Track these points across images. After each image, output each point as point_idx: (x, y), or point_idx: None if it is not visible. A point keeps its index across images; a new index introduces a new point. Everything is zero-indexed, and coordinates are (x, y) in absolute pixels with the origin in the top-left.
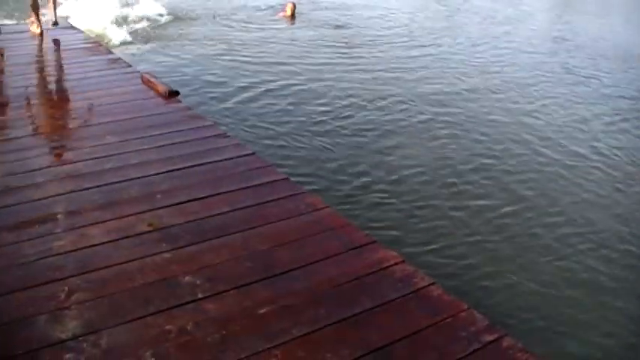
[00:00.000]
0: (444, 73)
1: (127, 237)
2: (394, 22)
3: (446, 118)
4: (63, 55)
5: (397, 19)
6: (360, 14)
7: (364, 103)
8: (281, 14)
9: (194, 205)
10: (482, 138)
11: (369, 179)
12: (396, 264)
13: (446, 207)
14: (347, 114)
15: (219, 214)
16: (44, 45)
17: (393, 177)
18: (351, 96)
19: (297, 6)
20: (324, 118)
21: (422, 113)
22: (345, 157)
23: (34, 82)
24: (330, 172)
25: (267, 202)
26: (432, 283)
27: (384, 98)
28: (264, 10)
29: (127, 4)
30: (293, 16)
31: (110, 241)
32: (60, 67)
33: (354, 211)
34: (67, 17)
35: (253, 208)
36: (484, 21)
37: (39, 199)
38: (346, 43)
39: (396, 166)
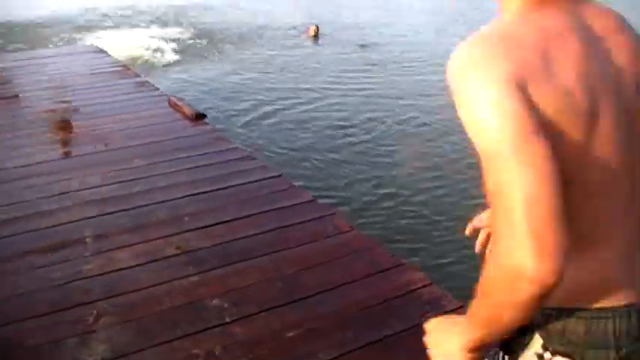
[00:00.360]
0: None
1: (154, 260)
2: (419, 42)
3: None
4: (92, 78)
5: (422, 39)
6: (384, 33)
7: (389, 125)
8: (304, 35)
9: (221, 228)
10: None
11: (397, 201)
12: (424, 286)
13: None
14: (372, 136)
15: (245, 237)
16: (73, 68)
17: (421, 198)
18: (375, 119)
19: (320, 26)
20: (349, 139)
21: (449, 136)
22: (371, 179)
23: (63, 105)
24: (356, 193)
25: (293, 224)
26: (460, 307)
27: (408, 122)
28: (288, 30)
29: (155, 28)
30: (317, 36)
31: (138, 265)
32: (89, 90)
33: (380, 232)
34: (96, 41)
35: (279, 230)
36: None
37: (68, 223)
38: (370, 64)
39: (425, 189)
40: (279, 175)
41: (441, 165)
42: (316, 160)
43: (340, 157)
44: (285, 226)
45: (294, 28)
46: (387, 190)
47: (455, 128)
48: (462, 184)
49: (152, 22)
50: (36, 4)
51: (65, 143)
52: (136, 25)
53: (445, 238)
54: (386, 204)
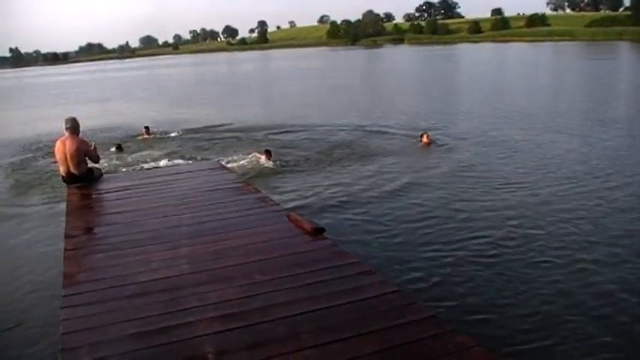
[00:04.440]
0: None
1: None
2: (537, 163)
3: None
4: (215, 194)
5: (544, 162)
6: (498, 150)
7: (499, 243)
8: (418, 143)
9: (340, 345)
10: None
11: (523, 320)
12: None
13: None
14: (490, 253)
15: (366, 355)
16: (197, 184)
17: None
18: (488, 237)
19: (432, 134)
20: (465, 254)
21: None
22: (491, 292)
23: (187, 221)
24: (476, 308)
25: (414, 341)
26: None
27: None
28: (403, 139)
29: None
30: (430, 143)
31: None
32: (211, 206)
33: (504, 349)
34: (219, 159)
35: (401, 348)
36: None
37: (190, 339)
38: (481, 180)
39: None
40: (398, 290)
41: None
42: (435, 274)
43: (457, 270)
44: (406, 343)
45: (409, 136)
46: (511, 307)
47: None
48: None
49: (270, 138)
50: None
51: (187, 258)
52: (256, 144)
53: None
54: (513, 323)
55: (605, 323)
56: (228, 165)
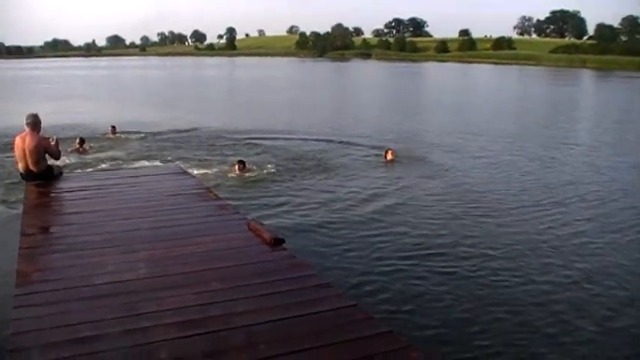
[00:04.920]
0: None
1: None
2: (502, 173)
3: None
4: (175, 199)
5: (508, 171)
6: (462, 157)
7: (457, 259)
8: (383, 160)
9: (297, 357)
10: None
11: (477, 336)
12: None
13: None
14: (447, 270)
15: None
16: (158, 188)
17: (500, 329)
18: (446, 253)
19: (395, 150)
20: (422, 269)
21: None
22: (447, 308)
23: (146, 225)
24: (432, 323)
25: (371, 355)
26: None
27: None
28: (367, 156)
29: (236, 154)
30: (393, 160)
31: None
32: (171, 211)
33: None
34: (179, 163)
35: None
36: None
37: (146, 344)
38: (446, 190)
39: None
40: (355, 305)
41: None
42: (394, 290)
43: (419, 288)
44: (361, 357)
45: (374, 150)
46: (475, 325)
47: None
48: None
49: (235, 146)
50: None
51: (143, 263)
52: (220, 150)
53: None
54: (474, 342)
55: (554, 343)
56: (195, 171)
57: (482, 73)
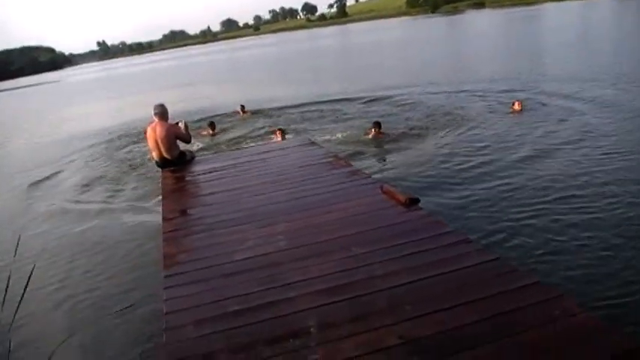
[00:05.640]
0: None
1: (378, 350)
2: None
3: None
4: (307, 170)
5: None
6: (594, 115)
7: (604, 213)
8: (510, 109)
9: (442, 315)
10: None
11: (628, 282)
12: None
13: None
14: (593, 222)
15: (468, 324)
16: (288, 161)
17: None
18: (592, 208)
19: (524, 101)
20: (565, 222)
21: None
22: (595, 258)
23: (281, 198)
24: (582, 272)
25: (518, 308)
26: None
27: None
28: (495, 106)
29: (362, 117)
30: (522, 110)
31: (362, 355)
32: (304, 182)
33: (614, 312)
34: (308, 135)
35: (504, 315)
36: None
37: (292, 314)
38: (573, 138)
39: None
40: (498, 258)
41: None
42: (534, 237)
43: (561, 235)
44: (509, 311)
45: (502, 103)
46: (617, 271)
47: None
48: None
49: (359, 116)
50: None
51: (283, 235)
52: (342, 122)
53: None
54: (614, 282)
55: None
56: (327, 139)
57: (605, 8)
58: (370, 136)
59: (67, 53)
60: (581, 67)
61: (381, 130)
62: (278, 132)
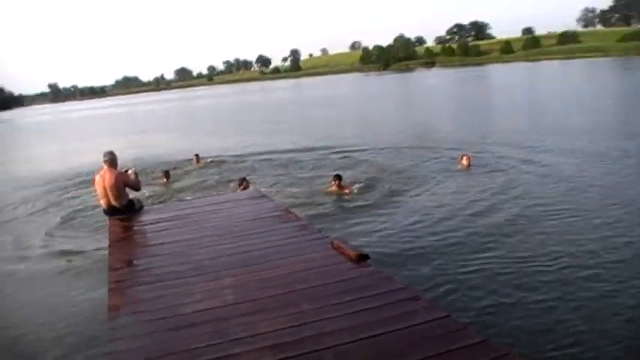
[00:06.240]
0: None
1: None
2: (580, 184)
3: None
4: (256, 223)
5: (586, 182)
6: (539, 171)
7: (550, 268)
8: (458, 166)
9: None
10: None
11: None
12: None
13: None
14: (541, 278)
15: None
16: (238, 214)
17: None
18: (536, 262)
19: (472, 158)
20: (511, 277)
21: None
22: (548, 321)
23: (230, 251)
24: (528, 331)
25: None
26: None
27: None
28: (441, 163)
29: (313, 175)
30: (469, 165)
31: None
32: (254, 235)
33: None
34: (257, 187)
35: None
36: None
37: None
38: (524, 202)
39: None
40: (447, 316)
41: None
42: (485, 299)
43: (511, 297)
44: None
45: (450, 158)
46: (570, 334)
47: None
48: None
49: (311, 168)
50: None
51: (231, 288)
52: (295, 173)
53: None
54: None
55: None
56: (278, 192)
57: (549, 70)
58: (331, 189)
59: (16, 93)
60: (526, 122)
61: (342, 184)
62: (239, 182)
